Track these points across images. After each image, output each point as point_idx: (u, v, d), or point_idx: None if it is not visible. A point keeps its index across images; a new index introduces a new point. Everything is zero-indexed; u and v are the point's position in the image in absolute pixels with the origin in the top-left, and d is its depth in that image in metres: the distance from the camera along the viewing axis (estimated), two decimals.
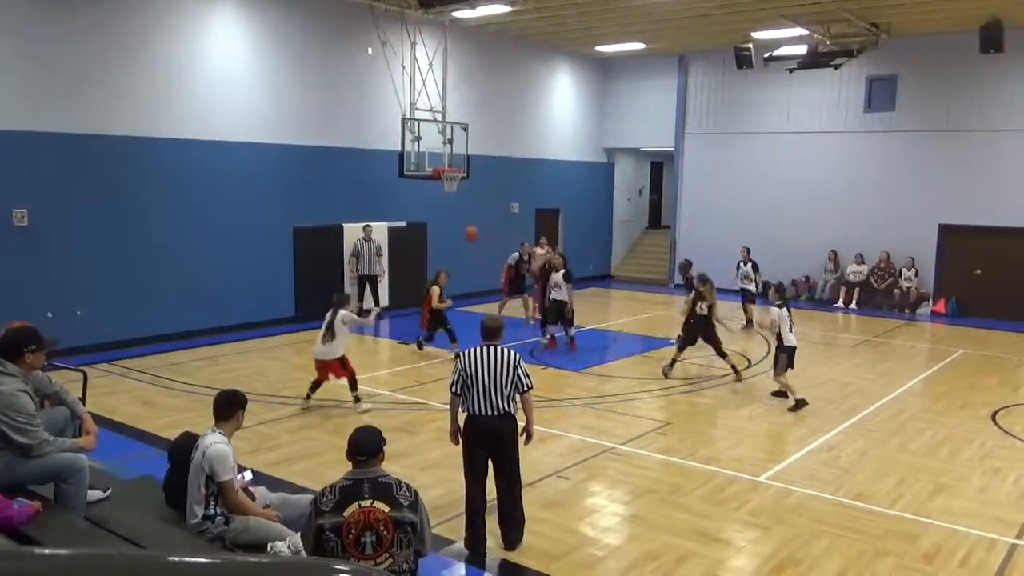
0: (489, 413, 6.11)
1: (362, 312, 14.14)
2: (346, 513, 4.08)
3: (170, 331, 13.45)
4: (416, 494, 4.25)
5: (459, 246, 18.33)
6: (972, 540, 6.57)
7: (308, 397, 10.00)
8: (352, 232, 16.43)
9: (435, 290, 12.67)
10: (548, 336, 13.90)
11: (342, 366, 9.89)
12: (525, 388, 6.18)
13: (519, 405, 6.29)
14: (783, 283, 11.58)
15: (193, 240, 13.80)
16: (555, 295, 13.65)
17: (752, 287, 16.54)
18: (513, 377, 6.10)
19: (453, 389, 6.27)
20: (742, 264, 16.92)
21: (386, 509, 4.10)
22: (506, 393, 6.11)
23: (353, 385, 9.97)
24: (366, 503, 4.10)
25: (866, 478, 7.94)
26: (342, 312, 9.88)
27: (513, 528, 6.30)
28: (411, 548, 4.19)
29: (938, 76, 18.23)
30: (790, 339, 10.46)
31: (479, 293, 18.42)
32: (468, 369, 6.14)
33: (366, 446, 4.28)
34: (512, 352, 6.22)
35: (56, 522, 4.89)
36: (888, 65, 18.58)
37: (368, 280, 16.33)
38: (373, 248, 16.25)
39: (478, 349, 6.21)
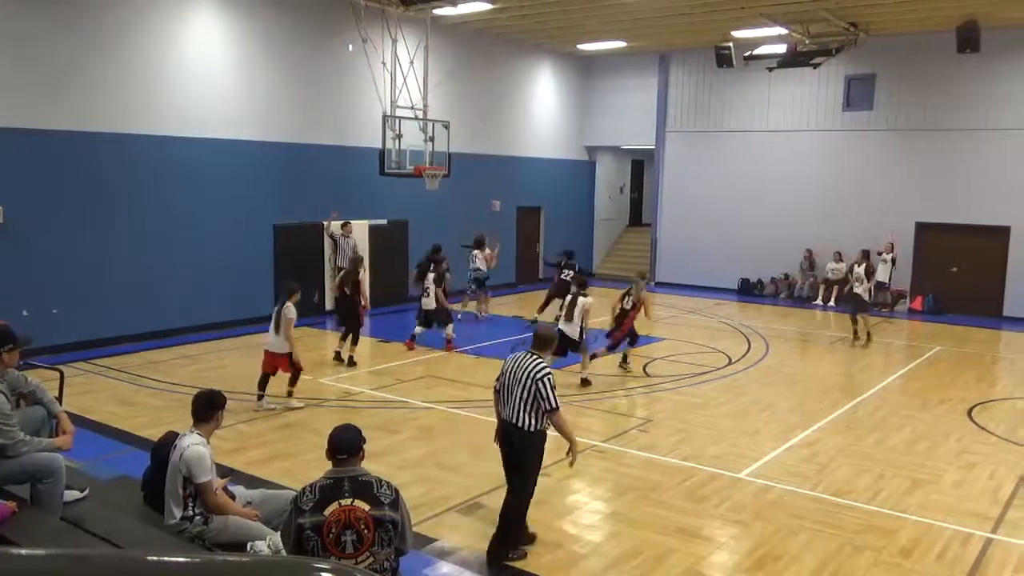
0: (509, 418, 6.07)
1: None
2: (327, 512, 4.07)
3: (149, 329, 13.32)
4: (397, 492, 4.24)
5: (440, 243, 18.29)
6: (948, 534, 6.65)
7: (260, 397, 9.69)
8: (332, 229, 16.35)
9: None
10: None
11: (290, 361, 9.60)
12: (548, 407, 5.89)
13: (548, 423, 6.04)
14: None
15: (172, 238, 13.67)
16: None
17: (866, 294, 14.67)
18: (533, 390, 5.88)
19: (495, 385, 6.29)
20: (856, 266, 15.00)
21: (367, 508, 4.09)
22: (523, 404, 5.94)
23: (293, 380, 9.74)
24: (346, 502, 4.09)
25: (844, 474, 8.01)
26: (288, 304, 9.52)
27: (496, 537, 6.14)
28: (392, 547, 4.18)
29: (915, 75, 18.42)
30: None
31: (460, 291, 18.39)
32: (505, 368, 6.14)
33: (346, 445, 4.26)
34: (540, 367, 5.95)
35: (32, 522, 4.84)
36: (866, 64, 18.76)
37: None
38: (351, 244, 16.20)
39: (520, 353, 6.18)
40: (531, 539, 6.31)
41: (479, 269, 16.06)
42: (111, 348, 12.60)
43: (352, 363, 12.05)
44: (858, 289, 14.53)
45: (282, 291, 9.86)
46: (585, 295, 11.47)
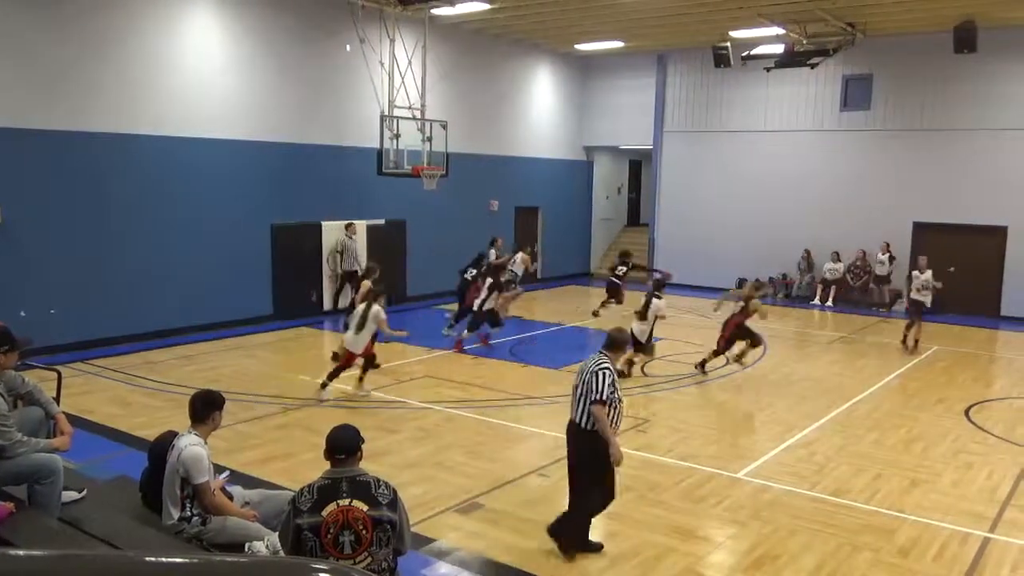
0: (572, 416, 6.10)
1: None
2: (324, 512, 4.07)
3: (147, 330, 13.31)
4: (395, 492, 4.23)
5: (438, 244, 18.32)
6: (946, 534, 6.66)
7: (324, 386, 10.25)
8: (331, 229, 16.35)
9: (365, 285, 11.71)
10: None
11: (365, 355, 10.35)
12: (593, 398, 5.87)
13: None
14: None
15: (170, 238, 13.65)
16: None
17: (928, 300, 14.16)
18: (586, 386, 5.92)
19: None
20: (918, 273, 14.36)
21: (364, 508, 4.09)
22: (582, 401, 5.96)
23: (366, 369, 10.49)
24: (344, 502, 4.09)
25: (842, 474, 8.02)
26: (375, 307, 10.16)
27: (560, 541, 6.14)
28: (390, 547, 4.18)
29: (913, 75, 18.44)
30: None
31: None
32: (578, 369, 6.18)
33: (344, 445, 4.25)
34: (600, 362, 5.98)
35: (30, 523, 4.83)
36: (864, 64, 18.77)
37: (349, 277, 16.29)
38: (355, 245, 16.23)
39: (594, 354, 6.20)
40: (596, 548, 6.17)
41: (514, 272, 16.17)
42: (109, 348, 12.58)
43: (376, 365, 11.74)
44: (921, 296, 14.02)
45: (370, 295, 10.50)
46: (660, 297, 11.87)
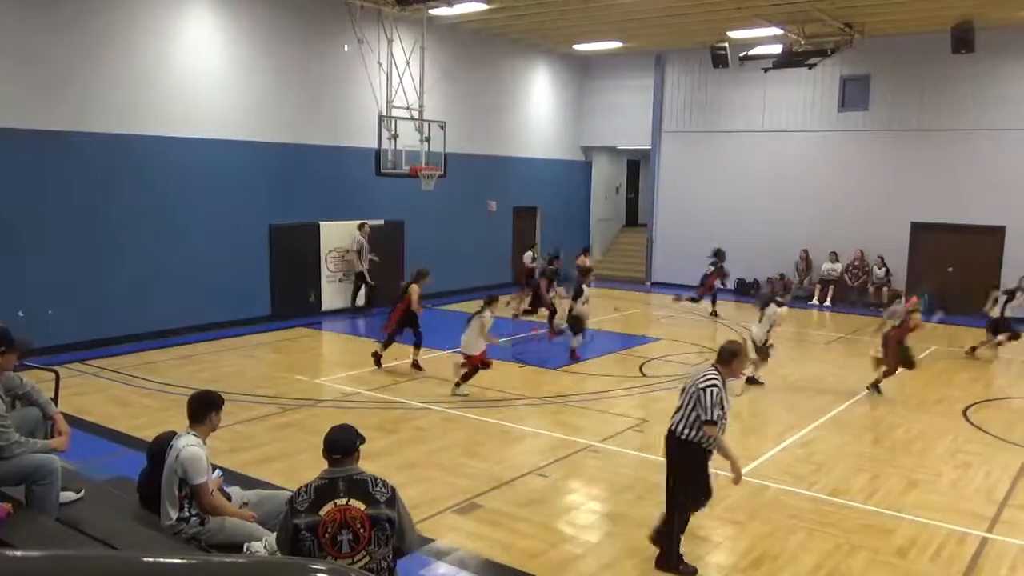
0: (670, 424, 6.02)
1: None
2: (322, 512, 4.06)
3: (145, 330, 13.29)
4: (393, 490, 4.22)
5: (436, 244, 18.31)
6: (944, 534, 6.67)
7: (458, 384, 10.65)
8: (329, 230, 16.34)
9: (414, 290, 11.94)
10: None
11: (475, 359, 10.58)
12: (704, 418, 5.74)
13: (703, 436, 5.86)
14: None
15: (168, 238, 13.64)
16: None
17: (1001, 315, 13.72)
18: (695, 398, 5.79)
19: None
20: (998, 292, 14.10)
21: (362, 507, 4.08)
22: (683, 412, 5.88)
23: (467, 376, 10.62)
24: (342, 501, 4.08)
25: (841, 473, 8.02)
26: (486, 313, 10.54)
27: (659, 553, 6.05)
28: (389, 546, 4.16)
29: (910, 76, 18.46)
30: None
31: (455, 292, 18.40)
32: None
33: (341, 445, 4.25)
34: (707, 378, 5.86)
35: (28, 524, 4.82)
36: (862, 65, 18.78)
37: (363, 276, 16.51)
38: (368, 245, 16.50)
39: (706, 364, 6.13)
40: (691, 572, 5.98)
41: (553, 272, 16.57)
42: (107, 349, 12.57)
43: (419, 367, 12.00)
44: (997, 312, 13.82)
45: (484, 301, 10.80)
46: (781, 303, 11.70)
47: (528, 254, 18.15)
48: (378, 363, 12.03)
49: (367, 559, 4.07)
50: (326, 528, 4.04)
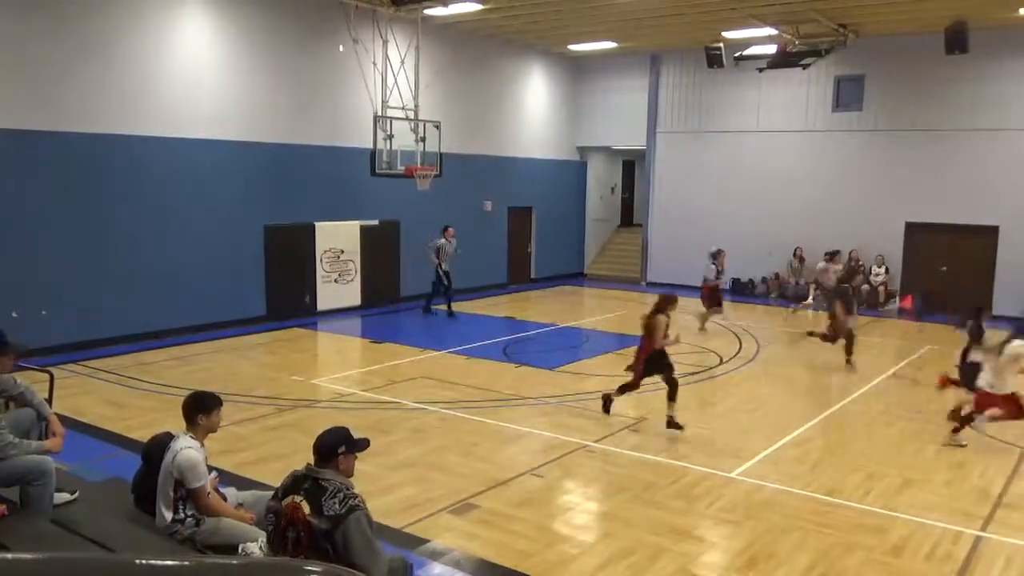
0: None
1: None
2: (284, 502, 4.14)
3: (140, 331, 13.26)
4: (350, 511, 4.00)
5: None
6: (938, 533, 6.68)
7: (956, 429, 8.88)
8: (323, 230, 16.32)
9: (661, 322, 9.22)
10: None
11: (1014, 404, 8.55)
12: None
13: None
14: None
15: (163, 239, 13.62)
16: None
17: None
18: None
19: None
20: None
21: (307, 511, 4.05)
22: None
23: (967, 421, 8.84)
24: (298, 499, 4.11)
25: (835, 473, 8.04)
26: (1016, 343, 8.35)
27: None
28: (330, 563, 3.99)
29: (904, 76, 18.51)
30: None
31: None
32: None
33: (318, 447, 4.29)
34: None
35: (22, 525, 4.81)
36: (856, 65, 18.83)
37: (447, 276, 16.47)
38: (453, 248, 16.56)
39: None
40: None
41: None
42: (102, 349, 12.54)
43: (677, 426, 9.25)
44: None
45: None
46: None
47: (712, 268, 15.82)
48: (607, 407, 9.76)
49: None
50: (282, 519, 4.12)
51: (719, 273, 15.90)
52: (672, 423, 9.20)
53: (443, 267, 16.47)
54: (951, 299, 17.35)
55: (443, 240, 16.45)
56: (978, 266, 17.95)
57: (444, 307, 16.57)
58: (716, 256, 15.92)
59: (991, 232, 17.88)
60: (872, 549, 6.36)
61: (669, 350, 9.41)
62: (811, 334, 13.70)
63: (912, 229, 18.86)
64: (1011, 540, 6.61)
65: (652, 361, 9.38)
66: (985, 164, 17.79)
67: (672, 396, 9.24)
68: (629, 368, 9.72)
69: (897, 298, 19.02)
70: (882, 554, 6.29)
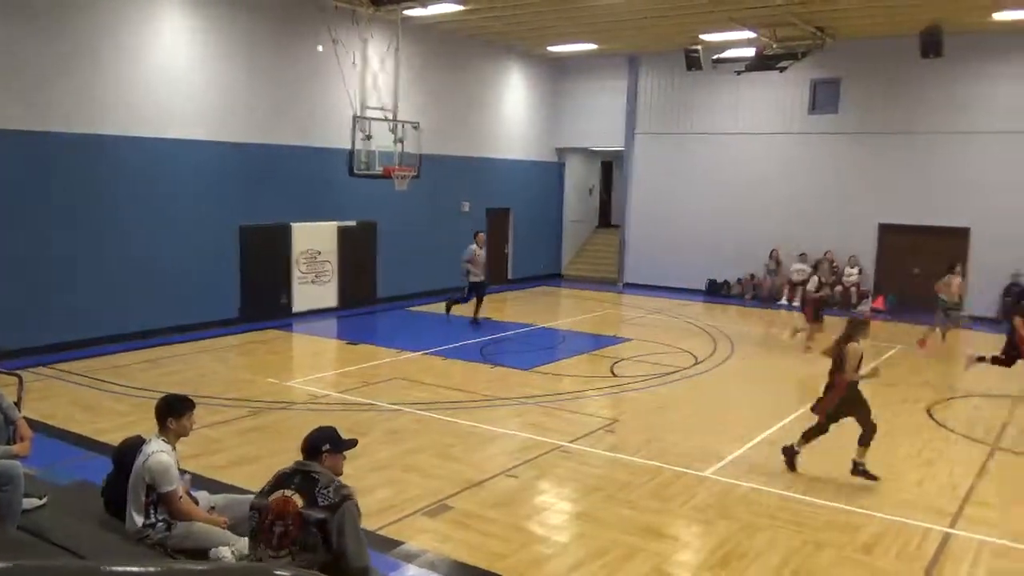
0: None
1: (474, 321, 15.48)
2: (271, 498, 4.12)
3: (111, 333, 13.09)
4: (344, 499, 4.08)
5: (408, 245, 18.29)
6: (909, 530, 6.78)
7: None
8: (300, 231, 16.23)
9: (853, 350, 7.96)
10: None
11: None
12: None
13: None
14: None
15: (137, 239, 13.47)
16: None
17: None
18: None
19: None
20: None
21: (299, 503, 4.06)
22: None
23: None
24: (289, 492, 4.11)
25: (808, 472, 8.11)
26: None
27: None
28: (316, 553, 4.00)
29: (880, 79, 18.72)
30: None
31: (426, 293, 18.38)
32: None
33: (306, 444, 4.36)
34: None
35: None
36: (832, 68, 19.01)
37: (479, 287, 15.88)
38: (483, 255, 16.11)
39: None
40: None
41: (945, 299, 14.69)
42: (72, 352, 12.36)
43: (870, 476, 7.95)
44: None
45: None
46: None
47: (814, 279, 14.83)
48: (792, 463, 8.23)
49: (289, 558, 4.02)
50: (267, 514, 4.09)
51: (821, 284, 14.65)
52: (861, 470, 7.85)
53: (477, 276, 15.75)
54: (923, 300, 17.55)
55: (475, 247, 15.90)
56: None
57: (471, 314, 15.74)
58: (816, 266, 15.34)
59: (963, 234, 18.13)
60: (843, 547, 6.44)
61: (862, 384, 8.11)
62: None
63: (885, 230, 19.08)
64: (979, 536, 6.72)
65: (848, 400, 8.01)
66: (958, 167, 18.04)
67: (866, 440, 7.88)
68: (814, 409, 8.27)
69: (870, 298, 19.23)
70: (853, 551, 6.37)
